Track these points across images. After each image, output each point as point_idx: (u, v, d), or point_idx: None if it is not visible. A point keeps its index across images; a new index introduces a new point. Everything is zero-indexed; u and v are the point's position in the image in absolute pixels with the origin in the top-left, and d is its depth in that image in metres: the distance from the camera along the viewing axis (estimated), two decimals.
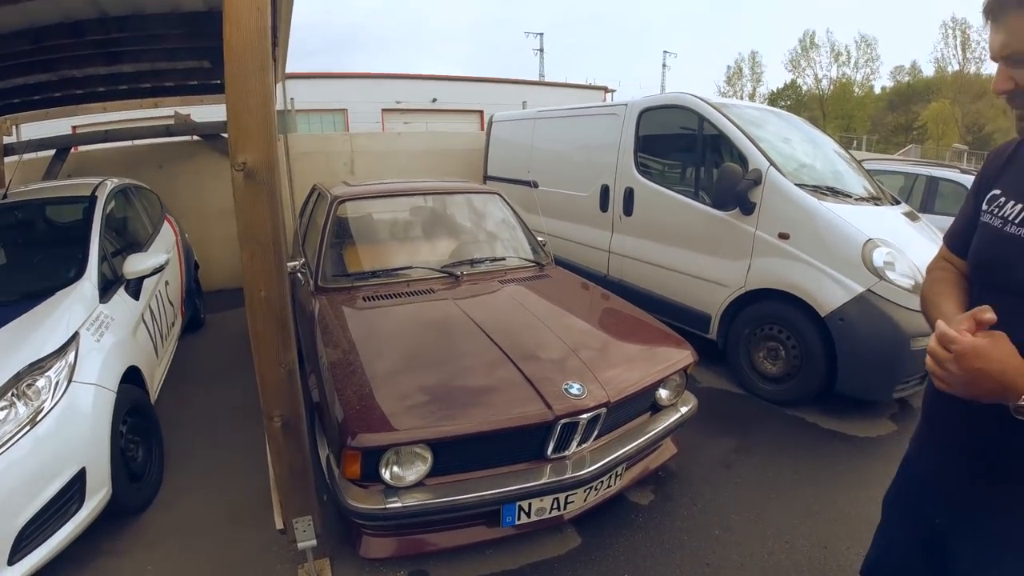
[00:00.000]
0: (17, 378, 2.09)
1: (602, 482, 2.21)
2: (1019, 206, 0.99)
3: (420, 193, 3.66)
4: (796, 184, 3.32)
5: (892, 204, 3.71)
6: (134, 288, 3.10)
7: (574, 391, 2.10)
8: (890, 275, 3.00)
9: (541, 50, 30.84)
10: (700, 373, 3.71)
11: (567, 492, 2.11)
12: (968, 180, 6.16)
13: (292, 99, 17.81)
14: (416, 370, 2.24)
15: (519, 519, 2.11)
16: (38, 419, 2.04)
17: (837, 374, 3.12)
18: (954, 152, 25.67)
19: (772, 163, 3.38)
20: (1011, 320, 0.91)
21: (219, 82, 4.98)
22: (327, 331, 2.52)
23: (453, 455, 2.01)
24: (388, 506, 1.93)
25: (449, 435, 1.95)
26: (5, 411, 1.99)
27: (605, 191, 4.46)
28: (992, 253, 1.05)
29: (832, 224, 3.16)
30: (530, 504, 2.09)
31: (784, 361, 3.37)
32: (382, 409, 1.99)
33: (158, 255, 3.21)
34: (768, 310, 3.41)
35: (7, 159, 5.39)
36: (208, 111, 5.70)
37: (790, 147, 3.73)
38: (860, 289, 3.02)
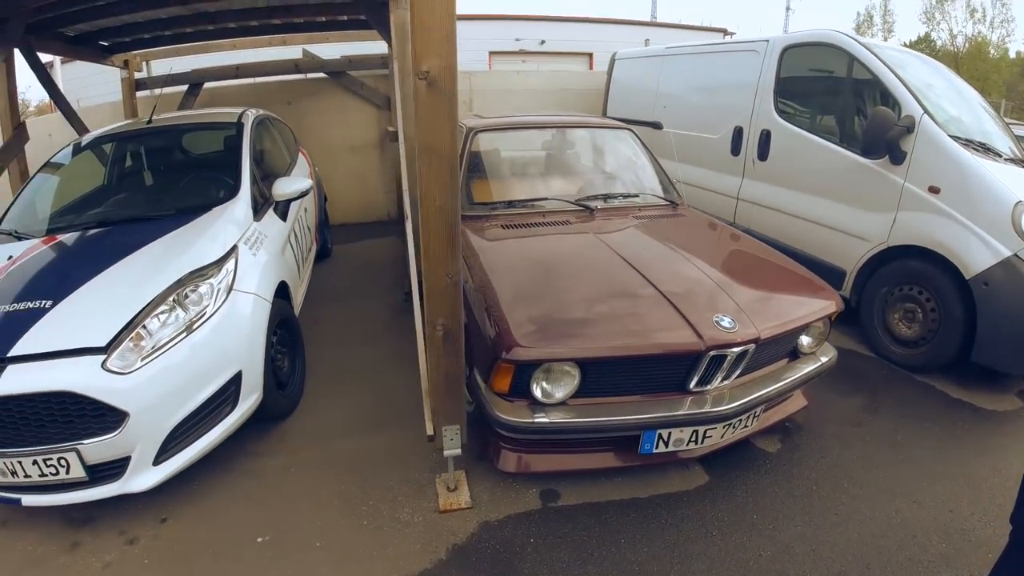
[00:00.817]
0: (179, 284, 2.22)
1: (741, 421, 2.19)
2: None
3: (553, 126, 3.65)
4: (950, 136, 3.03)
5: None
6: (282, 210, 3.30)
7: (725, 323, 2.07)
8: None
9: None
10: None
11: (707, 426, 2.11)
12: None
13: (543, 41, 17.62)
14: (563, 293, 2.27)
15: (657, 447, 2.13)
16: (196, 325, 2.14)
17: (975, 342, 2.89)
18: None
19: (927, 111, 3.08)
20: None
21: (346, 19, 5.12)
22: (472, 254, 2.59)
23: (599, 377, 2.05)
24: (536, 420, 2.01)
25: (600, 355, 1.98)
26: (166, 315, 2.11)
27: (738, 133, 4.24)
28: None
29: (985, 181, 2.88)
30: (670, 433, 2.11)
31: (920, 324, 3.15)
32: (535, 326, 2.04)
33: (303, 180, 3.38)
34: (909, 269, 3.17)
35: (139, 93, 5.82)
36: (332, 49, 5.92)
37: (941, 96, 3.39)
38: (1008, 253, 2.76)
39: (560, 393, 2.04)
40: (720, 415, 2.08)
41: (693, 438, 2.14)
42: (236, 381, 2.27)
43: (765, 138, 4.03)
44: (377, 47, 5.45)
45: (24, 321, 2.00)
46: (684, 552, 1.98)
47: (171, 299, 2.17)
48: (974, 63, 32.68)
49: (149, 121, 3.62)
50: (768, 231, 4.02)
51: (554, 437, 2.10)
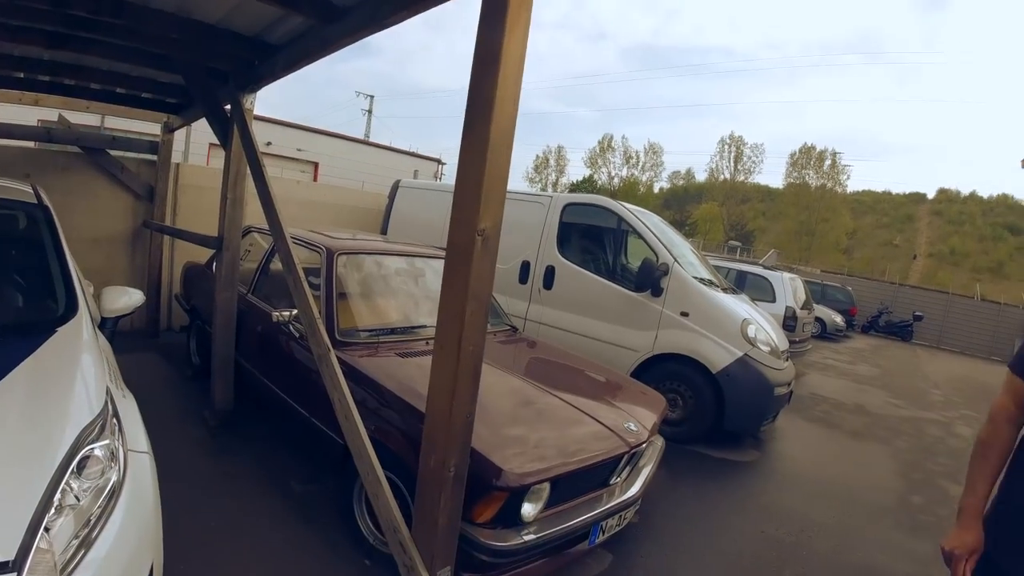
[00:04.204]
0: (71, 454, 1.56)
1: (636, 500, 2.80)
2: None
3: (406, 254, 3.87)
4: (692, 276, 4.51)
5: (734, 293, 5.21)
6: (109, 330, 2.66)
7: (633, 427, 2.71)
8: (758, 344, 4.32)
9: (370, 111, 31.02)
10: None
11: (625, 510, 2.65)
12: (767, 273, 8.75)
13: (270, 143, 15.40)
14: (502, 413, 2.56)
15: (598, 536, 2.57)
16: (108, 509, 1.54)
17: (725, 415, 4.27)
18: (730, 247, 32.56)
19: (676, 259, 4.53)
20: None
21: (175, 101, 4.51)
22: (392, 379, 2.64)
23: (558, 489, 2.40)
24: (525, 539, 2.22)
25: (568, 470, 2.35)
26: (70, 501, 1.48)
27: (526, 266, 5.17)
28: None
29: (719, 306, 4.43)
30: (606, 523, 2.57)
31: (682, 408, 4.43)
32: (512, 450, 2.29)
33: (133, 290, 2.78)
34: (670, 370, 4.46)
35: None
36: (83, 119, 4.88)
37: (675, 245, 4.98)
38: (740, 353, 4.28)
39: (535, 511, 2.30)
40: (633, 498, 2.66)
41: (617, 522, 2.66)
42: None
43: (550, 272, 5.06)
44: (147, 127, 4.75)
45: None
46: None
47: (67, 478, 1.50)
48: (626, 198, 43.67)
49: None
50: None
51: (535, 552, 2.31)
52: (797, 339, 8.34)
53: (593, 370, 3.54)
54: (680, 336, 4.42)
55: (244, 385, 3.78)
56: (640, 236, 4.70)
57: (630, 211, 4.84)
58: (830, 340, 15.23)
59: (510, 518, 2.22)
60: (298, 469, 3.28)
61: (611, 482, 2.64)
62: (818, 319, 14.67)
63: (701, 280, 4.64)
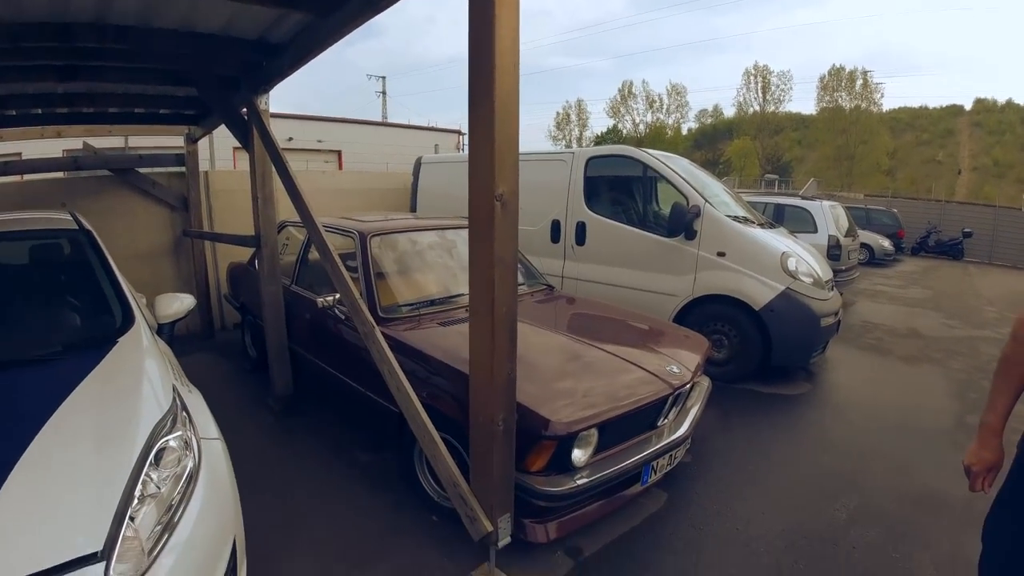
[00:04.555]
0: (148, 447, 1.70)
1: (686, 440, 2.85)
2: None
3: (434, 228, 3.94)
4: (725, 215, 4.43)
5: (771, 227, 5.10)
6: (167, 335, 2.84)
7: (675, 370, 2.74)
8: (800, 276, 4.25)
9: (384, 92, 31.17)
10: None
11: (673, 450, 2.71)
12: (806, 204, 8.55)
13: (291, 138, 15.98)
14: (547, 370, 2.63)
15: (650, 477, 2.64)
16: (188, 493, 1.68)
17: (772, 351, 4.24)
18: (767, 181, 31.72)
19: (707, 200, 4.46)
20: None
21: (193, 112, 4.65)
22: (435, 352, 2.74)
23: (607, 435, 2.47)
24: (578, 483, 2.31)
25: (614, 415, 2.41)
26: (153, 489, 1.61)
27: (556, 225, 5.17)
28: None
29: (756, 242, 4.35)
30: (657, 463, 2.64)
31: (728, 348, 4.42)
32: (560, 401, 2.36)
33: (184, 296, 2.96)
34: (712, 311, 4.43)
35: None
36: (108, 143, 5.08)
37: (705, 186, 4.89)
38: (782, 287, 4.22)
39: (586, 456, 2.38)
40: (682, 438, 2.71)
41: (668, 462, 2.72)
42: (234, 554, 1.80)
43: (580, 228, 5.04)
44: (171, 141, 4.93)
45: None
46: (694, 547, 2.50)
47: (146, 470, 1.64)
48: (654, 144, 43.00)
49: None
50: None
51: (589, 494, 2.40)
52: (843, 268, 8.08)
53: (633, 319, 3.56)
54: (719, 276, 4.37)
55: (301, 370, 3.98)
56: (668, 181, 4.62)
57: (655, 156, 4.76)
58: (879, 265, 14.70)
59: (562, 465, 2.31)
60: (361, 441, 3.46)
61: (659, 424, 2.70)
62: (865, 245, 14.13)
63: (735, 218, 4.55)
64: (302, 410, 3.92)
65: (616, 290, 4.82)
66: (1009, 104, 49.38)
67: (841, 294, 7.70)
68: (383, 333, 2.76)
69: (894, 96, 69.82)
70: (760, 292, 4.24)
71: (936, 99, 56.26)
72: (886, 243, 15.41)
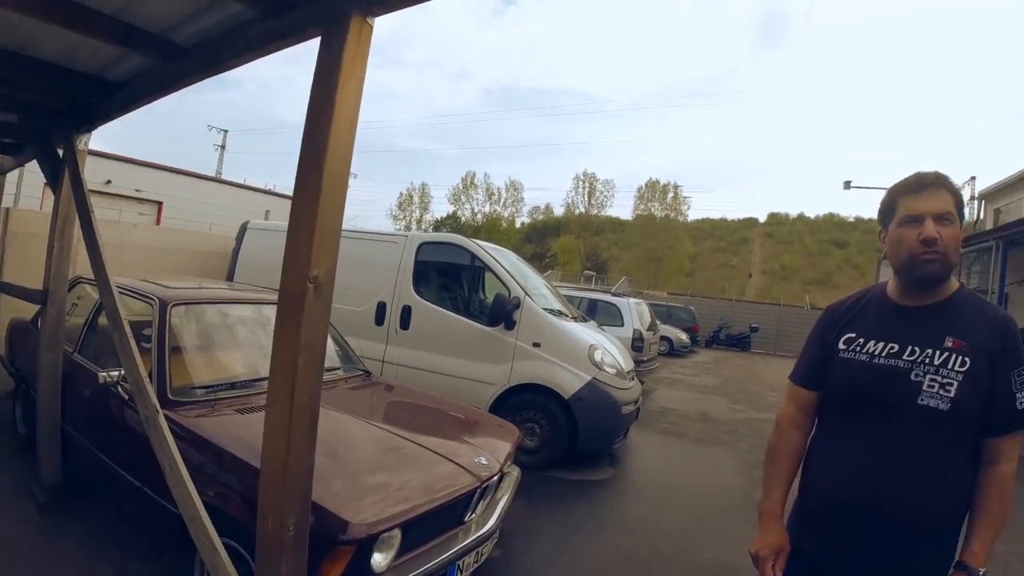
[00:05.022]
0: None
1: (493, 534, 2.87)
2: (880, 343, 1.40)
3: (247, 302, 3.66)
4: (542, 308, 4.77)
5: (583, 320, 5.57)
6: None
7: (485, 462, 2.79)
8: (605, 368, 4.67)
9: (223, 147, 28.74)
10: None
11: (481, 545, 2.71)
12: (615, 300, 9.51)
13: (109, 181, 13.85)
14: (350, 463, 2.52)
15: None
16: None
17: (578, 438, 4.52)
18: (586, 276, 34.31)
19: (527, 293, 4.78)
20: (873, 427, 1.36)
21: (9, 141, 4.08)
22: (229, 437, 2.49)
23: (411, 534, 2.39)
24: None
25: (419, 513, 2.35)
26: None
27: (382, 307, 5.12)
28: (861, 379, 1.40)
29: (568, 335, 4.73)
30: (463, 561, 2.60)
31: (539, 436, 4.63)
32: (360, 499, 2.25)
33: None
34: (526, 400, 4.66)
35: None
36: None
37: (526, 278, 5.24)
38: (588, 378, 4.59)
39: (387, 560, 2.27)
40: (489, 532, 2.73)
41: (475, 559, 2.70)
42: None
43: (406, 311, 5.08)
44: None
45: None
46: None
47: None
48: (490, 233, 44.64)
49: None
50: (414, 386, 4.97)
51: None
52: (645, 358, 9.10)
53: (449, 408, 3.59)
54: (533, 366, 4.64)
55: (75, 456, 3.34)
56: (494, 272, 4.90)
57: (484, 248, 5.04)
58: (678, 356, 16.75)
59: (362, 570, 2.17)
60: (138, 548, 2.94)
61: (466, 519, 2.69)
62: (665, 338, 16.09)
63: (552, 311, 4.92)
64: (73, 502, 3.28)
65: (437, 378, 4.86)
66: (800, 217, 61.84)
67: (643, 382, 8.64)
68: (170, 418, 2.46)
69: (699, 208, 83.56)
70: (569, 381, 4.57)
71: (735, 211, 68.44)
72: (683, 336, 17.70)
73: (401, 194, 56.61)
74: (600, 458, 5.08)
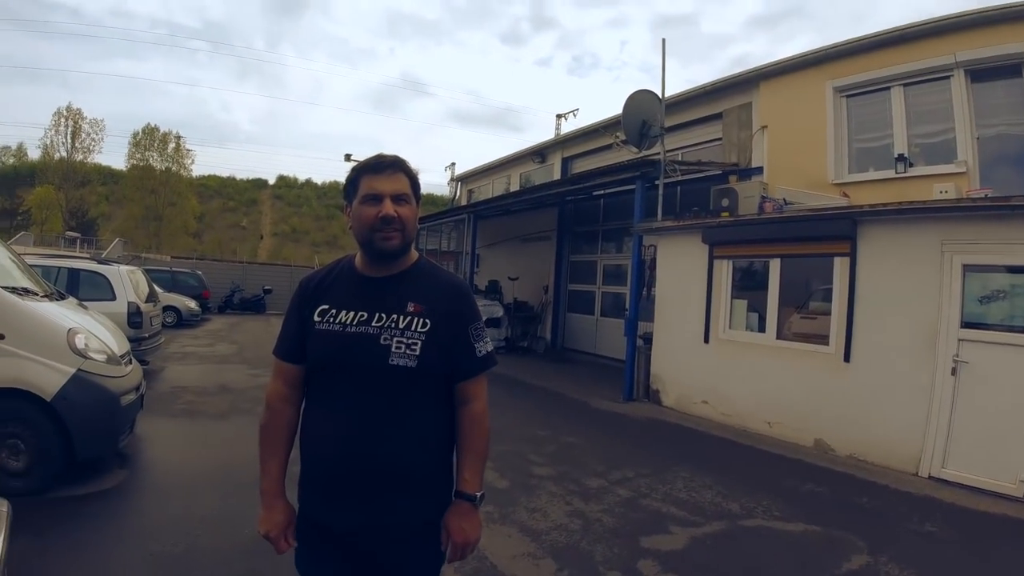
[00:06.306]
0: None
1: None
2: (351, 313, 1.47)
3: None
4: (2, 287, 3.64)
5: (61, 299, 4.51)
6: None
7: None
8: (91, 354, 3.90)
9: None
10: None
11: None
12: (102, 269, 8.03)
13: None
14: None
15: None
16: None
17: (74, 445, 3.69)
18: (69, 239, 26.28)
19: None
20: (356, 391, 1.43)
21: None
22: None
23: None
24: None
25: None
26: None
27: None
28: (337, 347, 1.45)
29: (39, 319, 3.79)
30: None
31: (27, 455, 3.61)
32: None
33: None
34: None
35: None
36: None
37: None
38: (73, 370, 3.74)
39: None
40: None
41: None
42: None
43: None
44: None
45: None
46: None
47: None
48: None
49: None
50: None
51: None
52: (147, 334, 8.06)
53: None
54: (1, 365, 3.55)
55: None
56: None
57: None
58: (188, 326, 15.37)
59: None
60: None
61: None
62: (172, 308, 14.55)
63: (15, 290, 3.83)
64: None
65: None
66: (308, 182, 63.15)
67: (146, 363, 7.66)
68: None
69: (205, 164, 75.82)
70: (48, 379, 3.65)
71: (244, 171, 64.82)
72: (193, 304, 16.34)
73: None
74: (108, 461, 4.29)
